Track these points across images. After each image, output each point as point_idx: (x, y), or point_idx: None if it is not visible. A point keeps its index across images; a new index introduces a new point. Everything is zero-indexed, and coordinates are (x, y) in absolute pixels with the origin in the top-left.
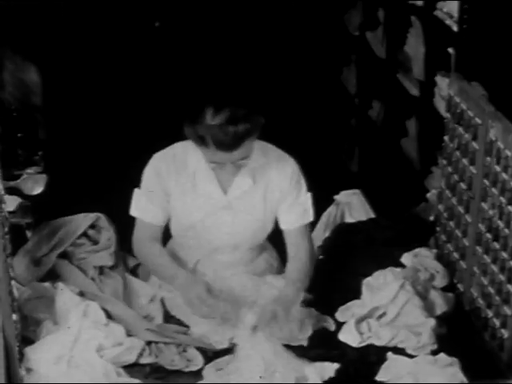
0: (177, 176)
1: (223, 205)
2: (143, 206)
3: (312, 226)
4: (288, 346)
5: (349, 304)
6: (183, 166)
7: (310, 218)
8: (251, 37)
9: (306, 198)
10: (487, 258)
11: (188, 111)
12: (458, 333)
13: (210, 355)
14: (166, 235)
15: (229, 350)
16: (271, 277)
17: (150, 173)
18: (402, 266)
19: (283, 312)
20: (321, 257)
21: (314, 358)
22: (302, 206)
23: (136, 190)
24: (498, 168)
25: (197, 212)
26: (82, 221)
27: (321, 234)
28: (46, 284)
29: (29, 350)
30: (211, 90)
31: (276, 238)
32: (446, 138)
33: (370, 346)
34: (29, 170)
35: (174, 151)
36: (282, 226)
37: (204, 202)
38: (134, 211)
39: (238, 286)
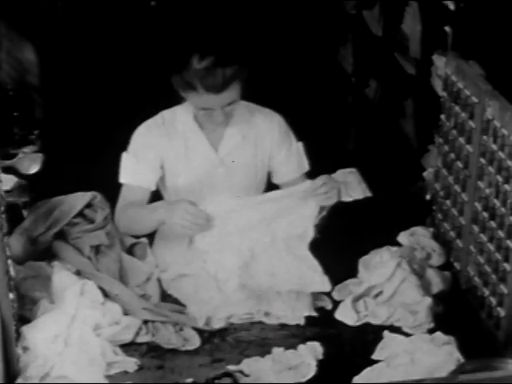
0: (168, 140)
1: (216, 163)
2: (132, 169)
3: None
4: (284, 325)
5: (345, 282)
6: (173, 130)
7: (306, 167)
8: (247, 18)
9: (298, 148)
10: (484, 237)
11: (174, 61)
12: (454, 311)
13: (207, 335)
14: None
15: (225, 330)
16: None
17: (140, 137)
18: (399, 244)
19: None
20: (317, 236)
21: (310, 337)
22: (296, 156)
23: (124, 155)
24: (494, 147)
25: (191, 174)
26: (78, 200)
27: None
28: (43, 263)
29: (25, 329)
30: (196, 38)
31: None
32: (442, 116)
33: (367, 325)
34: (25, 149)
35: (163, 116)
36: (279, 181)
37: (197, 163)
38: (122, 177)
39: None
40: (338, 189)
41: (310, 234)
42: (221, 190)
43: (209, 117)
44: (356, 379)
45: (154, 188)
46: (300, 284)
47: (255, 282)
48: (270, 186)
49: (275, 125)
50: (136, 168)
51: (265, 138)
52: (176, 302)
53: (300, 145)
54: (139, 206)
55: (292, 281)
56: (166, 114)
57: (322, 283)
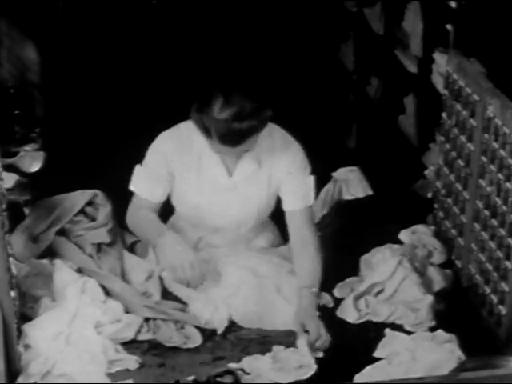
0: (182, 156)
1: (228, 187)
2: (143, 182)
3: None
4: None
5: (347, 281)
6: (189, 146)
7: (311, 201)
8: (248, 14)
9: (309, 181)
10: (485, 235)
11: (197, 97)
12: (455, 309)
13: (208, 333)
14: (167, 213)
15: (227, 327)
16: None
17: (154, 150)
18: (400, 242)
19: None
20: (319, 234)
21: None
22: (304, 188)
23: (137, 167)
24: (495, 145)
25: (201, 193)
26: (79, 198)
27: (318, 211)
28: (44, 261)
29: (27, 327)
30: (220, 77)
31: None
32: (443, 114)
33: (368, 323)
34: (26, 147)
35: (180, 131)
36: (284, 208)
37: (209, 184)
38: (133, 186)
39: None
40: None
41: None
42: (228, 210)
43: (222, 155)
44: (357, 377)
45: (162, 200)
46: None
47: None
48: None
49: (293, 158)
50: (146, 182)
51: (280, 168)
52: (177, 299)
53: (311, 178)
54: (148, 220)
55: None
56: (183, 128)
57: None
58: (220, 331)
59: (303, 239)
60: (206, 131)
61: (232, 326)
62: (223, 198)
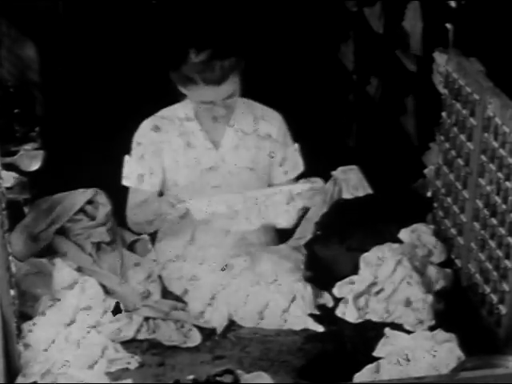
0: (167, 138)
1: (216, 161)
2: (135, 173)
3: None
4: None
5: (346, 280)
6: (172, 126)
7: (301, 168)
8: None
9: (295, 149)
10: (485, 234)
11: (172, 56)
12: (455, 309)
13: (208, 332)
14: None
15: (226, 327)
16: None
17: (140, 138)
18: (400, 241)
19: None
20: (318, 233)
21: (311, 334)
22: (293, 157)
23: (126, 158)
24: (495, 144)
25: (191, 171)
26: (79, 196)
27: (318, 210)
28: (44, 260)
29: (26, 326)
30: (192, 33)
31: None
32: (443, 113)
33: (368, 322)
34: (26, 146)
35: (161, 114)
36: (276, 181)
37: (197, 160)
38: (125, 180)
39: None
40: (324, 194)
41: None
42: (222, 187)
43: (210, 111)
44: (357, 376)
45: (158, 189)
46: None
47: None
48: None
49: (276, 124)
50: (138, 172)
51: (265, 137)
52: (177, 299)
53: (296, 146)
54: (153, 204)
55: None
56: (165, 111)
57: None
58: (219, 330)
59: None
60: (189, 80)
61: (232, 325)
62: (213, 174)
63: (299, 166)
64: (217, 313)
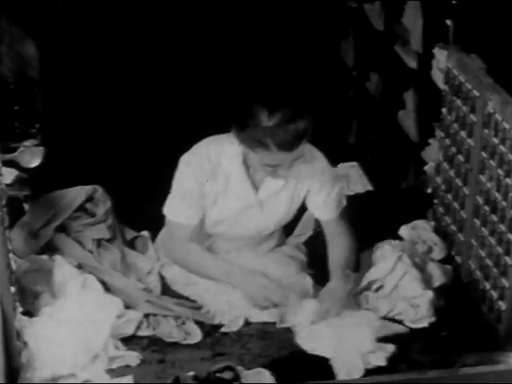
0: (211, 177)
1: (253, 204)
2: (177, 207)
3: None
4: None
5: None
6: (218, 164)
7: (344, 204)
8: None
9: (337, 191)
10: (485, 231)
11: (238, 117)
12: (455, 305)
13: (208, 328)
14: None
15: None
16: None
17: (184, 174)
18: (400, 238)
19: (337, 307)
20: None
21: None
22: (334, 200)
23: (170, 196)
24: (495, 140)
25: (227, 210)
26: (79, 193)
27: None
28: (44, 257)
29: (27, 323)
30: (259, 92)
31: None
32: (443, 110)
33: None
34: (26, 143)
35: (207, 152)
36: (317, 217)
37: (235, 201)
38: (170, 213)
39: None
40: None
41: None
42: (250, 225)
43: (272, 171)
44: None
45: (198, 222)
46: None
47: None
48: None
49: (317, 171)
50: (181, 207)
51: (305, 182)
52: (177, 295)
53: (340, 188)
54: (206, 256)
55: None
56: (212, 148)
57: None
58: (235, 329)
59: (340, 244)
60: (261, 143)
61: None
62: (247, 214)
63: (341, 205)
64: (232, 314)
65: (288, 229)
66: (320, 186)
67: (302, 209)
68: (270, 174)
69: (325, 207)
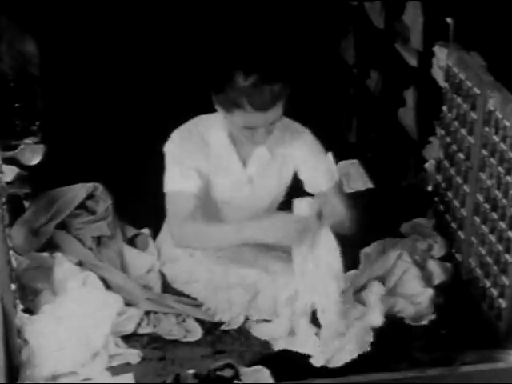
0: (200, 151)
1: (243, 179)
2: (175, 178)
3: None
4: None
5: (347, 274)
6: (204, 141)
7: (336, 177)
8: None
9: (327, 160)
10: (485, 228)
11: (214, 79)
12: (455, 303)
13: (209, 326)
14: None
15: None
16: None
17: (175, 148)
18: (401, 236)
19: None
20: None
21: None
22: (324, 169)
23: (167, 169)
24: (496, 138)
25: (217, 186)
26: (79, 191)
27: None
28: (44, 254)
29: (27, 321)
30: (235, 55)
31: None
32: (444, 108)
33: None
34: (26, 141)
35: (195, 126)
36: (311, 190)
37: (224, 177)
38: (169, 185)
39: None
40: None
41: None
42: (244, 204)
43: (250, 135)
44: None
45: (197, 191)
46: None
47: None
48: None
49: (303, 142)
50: (180, 176)
51: (293, 155)
52: (177, 293)
53: (329, 156)
54: (208, 223)
55: None
56: (199, 124)
57: None
58: (235, 327)
59: (339, 215)
60: (237, 105)
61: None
62: (237, 191)
63: (333, 176)
64: (232, 311)
65: None
66: (309, 158)
67: None
68: (249, 140)
69: (317, 179)
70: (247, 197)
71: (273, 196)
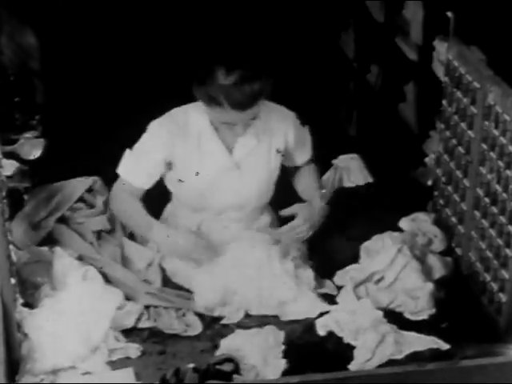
0: (180, 141)
1: (229, 166)
2: (131, 167)
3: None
4: None
5: (347, 268)
6: (186, 130)
7: (311, 154)
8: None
9: (306, 136)
10: (485, 223)
11: (197, 72)
12: (455, 297)
13: (209, 320)
14: (163, 201)
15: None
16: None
17: (149, 138)
18: (400, 230)
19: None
20: None
21: (311, 322)
22: (304, 144)
23: (127, 151)
24: (496, 132)
25: (204, 175)
26: (79, 185)
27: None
28: (44, 248)
29: (27, 315)
30: (219, 50)
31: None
32: (444, 102)
33: None
34: (26, 135)
35: (174, 117)
36: (288, 164)
37: (210, 165)
38: (120, 170)
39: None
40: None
41: None
42: (232, 190)
43: (229, 129)
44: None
45: (147, 188)
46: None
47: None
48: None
49: (289, 124)
50: (134, 168)
51: (279, 138)
52: (178, 287)
53: (307, 132)
54: (135, 209)
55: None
56: (179, 113)
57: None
58: (235, 321)
59: (312, 190)
60: (215, 101)
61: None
62: (225, 178)
63: (310, 149)
64: (231, 306)
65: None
66: (293, 138)
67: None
68: (230, 131)
69: (301, 152)
70: (235, 182)
71: (261, 184)
